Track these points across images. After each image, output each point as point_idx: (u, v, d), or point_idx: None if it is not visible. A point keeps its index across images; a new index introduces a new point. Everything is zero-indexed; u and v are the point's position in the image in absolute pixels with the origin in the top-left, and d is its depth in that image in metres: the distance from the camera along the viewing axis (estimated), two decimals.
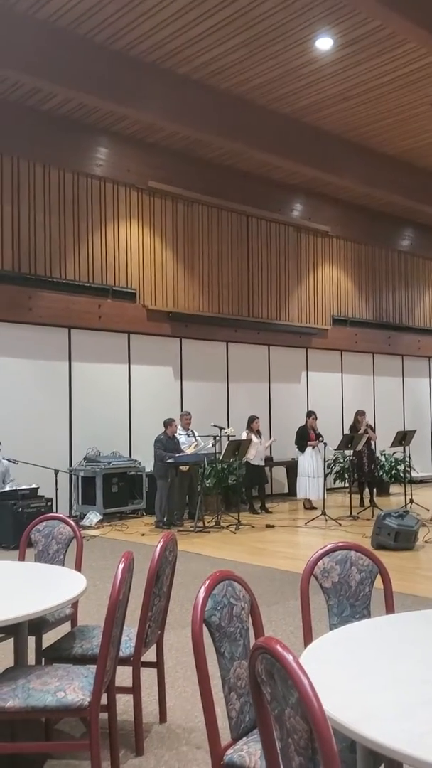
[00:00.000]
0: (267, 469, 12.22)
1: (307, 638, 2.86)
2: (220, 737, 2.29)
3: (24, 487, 9.36)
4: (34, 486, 9.52)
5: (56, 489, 9.63)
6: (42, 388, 10.71)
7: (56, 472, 9.56)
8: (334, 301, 15.08)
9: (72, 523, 4.18)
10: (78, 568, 3.88)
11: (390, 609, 3.01)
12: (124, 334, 11.72)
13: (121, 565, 2.92)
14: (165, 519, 10.07)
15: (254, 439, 11.27)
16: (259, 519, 10.76)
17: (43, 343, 10.74)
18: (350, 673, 2.16)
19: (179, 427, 10.89)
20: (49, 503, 9.40)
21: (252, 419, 11.58)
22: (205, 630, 2.32)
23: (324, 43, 8.97)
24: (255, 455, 11.27)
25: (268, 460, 12.31)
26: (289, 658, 1.65)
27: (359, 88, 10.20)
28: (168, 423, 10.39)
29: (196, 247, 12.76)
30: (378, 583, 3.05)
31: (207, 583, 2.41)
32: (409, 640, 2.48)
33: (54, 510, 9.49)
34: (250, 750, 2.28)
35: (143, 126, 11.20)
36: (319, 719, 1.55)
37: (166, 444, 10.17)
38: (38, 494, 9.45)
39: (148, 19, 8.41)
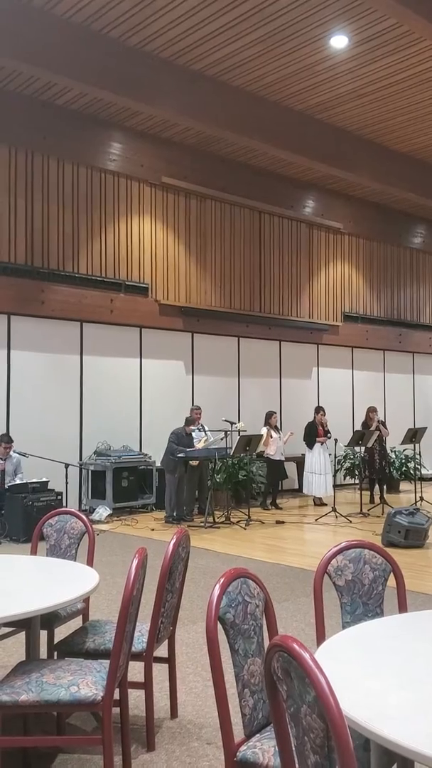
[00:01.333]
0: (284, 464, 12.23)
1: (320, 636, 2.87)
2: (233, 734, 2.31)
3: (34, 480, 9.41)
4: (44, 479, 9.57)
5: (66, 483, 9.68)
6: (53, 381, 10.75)
7: (66, 465, 9.60)
8: (346, 298, 15.05)
9: (84, 518, 4.21)
10: (90, 563, 3.90)
11: (403, 608, 3.02)
12: (136, 329, 11.75)
13: (135, 562, 2.93)
14: (174, 514, 10.09)
15: (273, 434, 11.28)
16: (269, 515, 10.77)
17: (55, 337, 10.77)
18: (364, 672, 2.17)
19: None
20: (59, 497, 9.44)
21: (270, 414, 11.59)
22: (219, 627, 2.33)
23: (339, 41, 8.93)
24: (275, 451, 11.29)
25: None
26: (306, 656, 1.65)
27: (373, 85, 10.16)
28: (190, 421, 10.40)
29: (209, 243, 12.76)
30: (391, 581, 3.06)
31: (222, 580, 2.42)
32: (423, 638, 2.49)
33: (64, 504, 9.55)
34: (263, 747, 2.29)
35: (157, 121, 11.20)
36: (336, 718, 1.56)
37: (181, 438, 10.19)
38: (48, 488, 9.50)
39: (162, 16, 8.40)
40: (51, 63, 8.54)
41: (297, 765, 1.81)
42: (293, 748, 1.81)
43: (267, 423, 11.49)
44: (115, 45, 8.96)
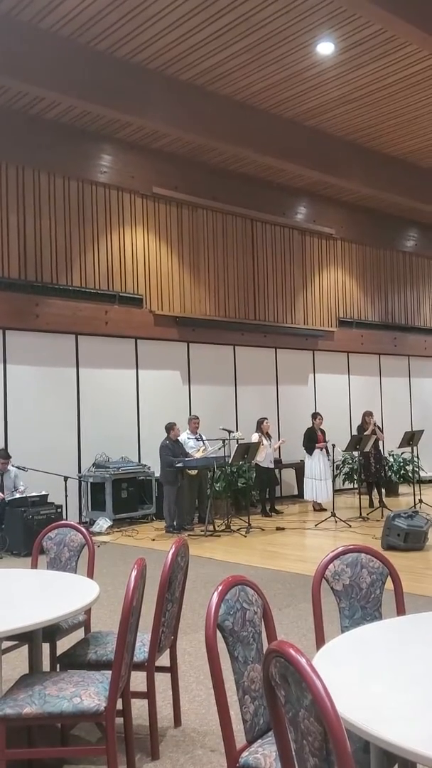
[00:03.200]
0: (276, 471, 12.23)
1: (320, 641, 2.88)
2: (235, 740, 2.32)
3: (34, 494, 9.41)
4: (43, 493, 9.57)
5: (66, 495, 9.68)
6: (50, 394, 10.76)
7: (65, 478, 9.60)
8: (340, 303, 15.10)
9: (83, 530, 4.22)
10: (90, 575, 3.92)
11: (401, 611, 3.04)
12: (131, 340, 11.78)
13: (134, 572, 2.95)
14: (175, 524, 10.09)
15: (264, 441, 11.27)
16: (269, 522, 10.78)
17: (50, 350, 10.79)
18: (363, 675, 2.19)
19: (187, 431, 10.92)
20: (59, 510, 9.44)
21: (261, 421, 11.59)
22: (219, 635, 2.35)
23: (325, 48, 9.01)
24: (264, 458, 11.27)
25: (278, 463, 12.31)
26: (303, 661, 1.67)
27: (361, 90, 10.23)
28: (169, 427, 10.39)
29: (202, 252, 12.81)
30: (389, 584, 3.07)
31: (220, 588, 2.44)
32: (422, 641, 2.51)
33: (64, 516, 9.54)
34: (265, 752, 2.31)
35: (147, 132, 11.26)
36: (332, 721, 1.58)
37: (173, 449, 10.20)
38: (48, 501, 9.50)
39: (149, 27, 8.47)
40: (39, 77, 8.60)
41: None
42: (293, 752, 1.83)
43: (258, 429, 11.49)
44: (103, 57, 9.02)
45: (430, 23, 7.93)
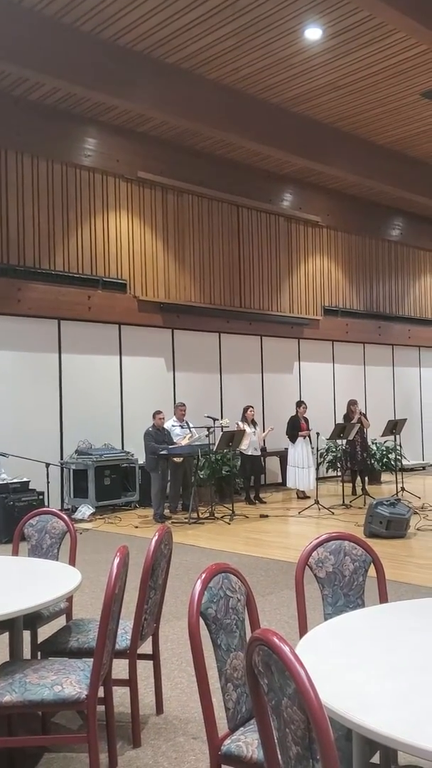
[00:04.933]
0: (261, 459, 12.23)
1: (302, 628, 2.88)
2: (217, 728, 2.31)
3: (15, 480, 9.35)
4: (25, 479, 9.51)
5: (47, 482, 9.61)
6: (32, 380, 10.68)
7: (47, 465, 9.53)
8: (325, 292, 15.09)
9: (65, 517, 4.19)
10: (72, 562, 3.89)
11: (384, 598, 3.04)
12: (114, 326, 11.70)
13: (117, 560, 2.92)
14: (160, 510, 10.07)
15: (247, 429, 11.26)
16: (253, 509, 10.79)
17: (32, 335, 10.69)
18: (346, 663, 2.18)
19: (174, 418, 10.89)
20: (41, 497, 9.40)
21: (245, 409, 11.57)
22: (202, 622, 2.33)
23: (313, 33, 8.94)
24: (248, 445, 11.26)
25: (262, 451, 12.31)
26: (286, 649, 1.66)
27: (349, 77, 10.17)
28: (154, 415, 10.35)
29: (187, 238, 12.73)
30: (372, 572, 3.07)
31: (203, 575, 2.42)
32: (404, 628, 2.50)
33: (46, 503, 9.50)
34: (247, 740, 2.30)
35: (132, 116, 11.14)
36: (315, 709, 1.57)
37: (156, 436, 10.16)
38: (29, 488, 9.45)
39: (135, 9, 8.35)
40: (22, 58, 8.46)
41: (279, 757, 1.81)
42: (275, 741, 1.82)
43: (243, 417, 11.48)
44: (88, 39, 8.89)
45: (418, 11, 7.88)
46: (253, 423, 11.57)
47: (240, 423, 11.32)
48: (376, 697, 1.92)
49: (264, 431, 11.93)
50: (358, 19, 8.65)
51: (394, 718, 1.78)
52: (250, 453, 11.37)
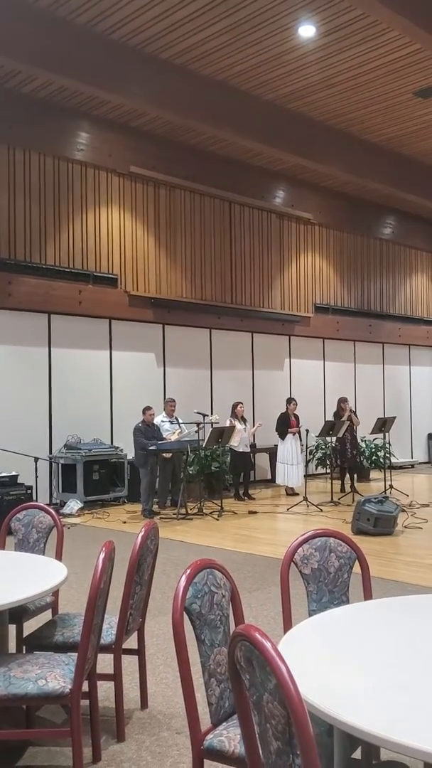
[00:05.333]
0: (251, 455, 12.26)
1: (287, 624, 2.89)
2: (200, 723, 2.32)
3: (3, 474, 9.33)
4: (13, 473, 9.49)
5: (36, 477, 9.61)
6: (21, 374, 10.65)
7: (36, 459, 9.53)
8: (317, 289, 15.11)
9: (52, 512, 4.19)
10: (58, 557, 3.89)
11: (368, 595, 3.05)
12: (105, 320, 11.67)
13: (102, 555, 2.93)
14: (148, 506, 10.07)
15: (238, 425, 11.27)
16: (241, 505, 10.81)
17: (22, 329, 10.66)
18: (328, 659, 2.19)
19: (163, 414, 10.88)
20: (29, 491, 9.38)
21: (235, 405, 11.58)
22: (186, 618, 2.34)
23: (306, 30, 8.93)
24: (239, 442, 11.27)
25: (252, 447, 12.33)
26: (267, 645, 1.67)
27: (342, 75, 10.18)
28: (144, 410, 10.35)
29: (179, 233, 12.71)
30: (357, 569, 3.09)
31: (188, 571, 2.43)
32: (386, 625, 2.52)
33: (34, 498, 9.48)
34: (229, 735, 2.31)
35: (125, 110, 11.11)
36: (296, 704, 1.58)
37: (145, 432, 10.15)
38: (18, 482, 9.43)
39: (130, 2, 8.32)
40: (15, 50, 8.42)
41: (260, 751, 1.83)
42: (257, 735, 1.83)
43: (233, 413, 11.49)
44: (82, 32, 8.85)
45: (411, 10, 7.89)
46: (243, 419, 11.58)
47: (231, 419, 11.32)
48: (357, 694, 1.93)
49: (253, 427, 11.94)
50: (352, 17, 8.65)
51: (374, 714, 1.79)
52: (240, 449, 11.38)
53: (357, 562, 3.10)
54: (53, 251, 11.03)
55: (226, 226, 13.48)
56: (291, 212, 14.43)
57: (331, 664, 2.15)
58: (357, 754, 2.51)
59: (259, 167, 13.66)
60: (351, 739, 2.12)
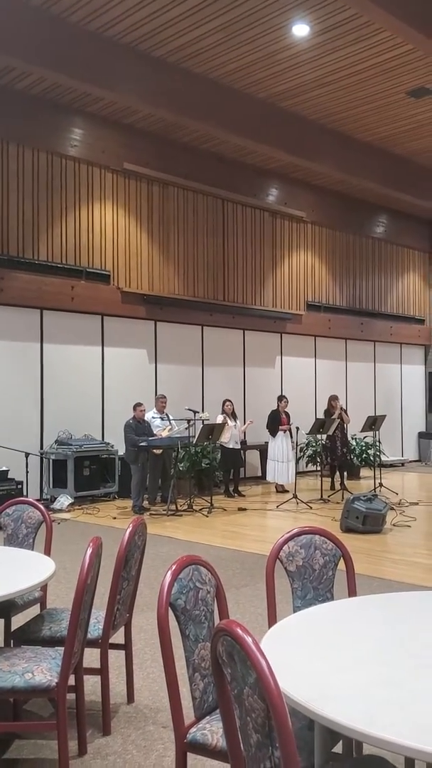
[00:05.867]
0: (241, 452, 12.30)
1: (272, 620, 2.93)
2: (184, 716, 2.36)
3: None
4: (4, 468, 9.51)
5: (27, 472, 9.63)
6: (13, 370, 10.65)
7: (27, 455, 9.55)
8: (309, 287, 15.16)
9: (41, 507, 4.21)
10: (47, 552, 3.92)
11: (352, 592, 3.10)
12: (97, 316, 11.68)
13: (89, 551, 2.96)
14: (139, 502, 10.10)
15: (229, 422, 11.31)
16: (231, 502, 10.85)
17: (14, 325, 10.66)
18: (311, 654, 2.23)
19: (154, 410, 10.91)
20: (20, 486, 9.41)
21: (224, 402, 11.62)
22: (171, 613, 2.38)
23: (300, 30, 8.96)
24: (230, 438, 11.32)
25: (242, 444, 12.37)
26: (249, 640, 1.70)
27: (335, 74, 10.21)
28: (134, 407, 10.37)
29: (171, 230, 12.72)
30: (342, 565, 3.13)
31: (173, 567, 2.46)
32: (369, 622, 2.56)
33: (24, 493, 9.51)
34: (212, 728, 2.35)
35: (119, 107, 11.11)
36: (275, 698, 1.62)
37: (136, 428, 10.18)
38: (8, 477, 9.45)
39: (123, 1, 8.32)
40: (9, 47, 8.42)
41: (241, 744, 1.86)
42: (238, 729, 1.87)
43: (223, 410, 11.52)
44: (75, 30, 8.85)
45: (404, 10, 7.93)
46: (233, 416, 11.62)
47: (223, 416, 11.36)
48: (337, 689, 1.97)
49: (244, 424, 11.98)
50: (345, 17, 8.68)
51: (353, 709, 1.83)
52: (230, 446, 11.43)
53: (342, 559, 3.14)
54: (46, 247, 11.03)
55: (219, 224, 13.50)
56: (284, 210, 14.47)
57: (314, 659, 2.19)
58: (339, 748, 2.55)
59: (252, 165, 13.68)
60: (332, 733, 2.16)
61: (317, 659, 2.19)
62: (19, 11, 8.35)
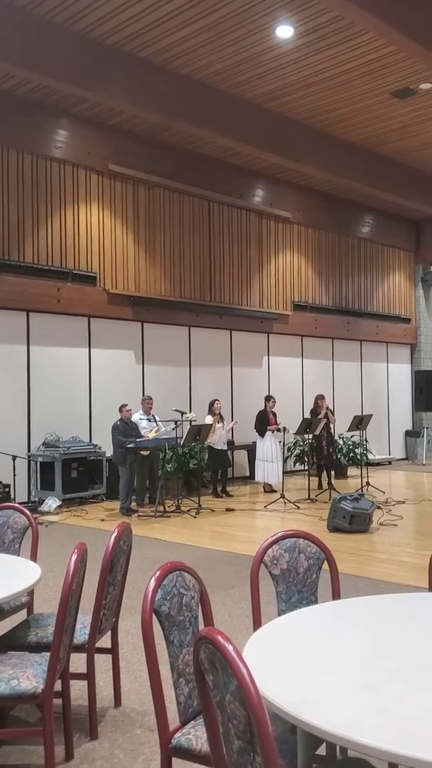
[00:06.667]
0: (228, 452, 12.33)
1: (257, 624, 2.95)
2: (168, 721, 2.37)
3: None
4: None
5: (14, 475, 9.61)
6: (0, 372, 10.62)
7: (14, 457, 9.53)
8: (295, 287, 15.20)
9: (27, 512, 4.22)
10: (33, 557, 3.92)
11: (336, 595, 3.12)
12: (84, 318, 11.67)
13: (74, 557, 2.97)
14: (127, 503, 10.09)
15: (217, 423, 11.33)
16: (219, 503, 10.88)
17: (0, 327, 10.63)
18: (293, 659, 2.26)
19: (140, 411, 10.91)
20: (7, 489, 9.38)
21: (212, 402, 11.64)
22: (155, 619, 2.39)
23: (284, 31, 8.99)
24: (218, 439, 11.35)
25: (230, 444, 12.41)
26: (229, 648, 1.72)
27: (320, 75, 10.24)
28: (120, 408, 10.37)
29: (158, 231, 12.72)
30: (326, 567, 3.15)
31: (157, 573, 2.48)
32: (352, 625, 2.59)
33: (12, 496, 9.48)
34: (197, 733, 2.37)
35: (104, 108, 11.09)
36: (255, 705, 1.64)
37: (124, 430, 10.18)
38: None
39: (108, 1, 8.31)
40: None
41: (224, 750, 1.88)
42: (220, 735, 1.89)
43: (210, 411, 11.54)
44: (60, 30, 8.83)
45: (385, 12, 7.95)
46: (221, 417, 11.65)
47: (211, 417, 11.38)
48: (320, 693, 1.99)
49: (229, 425, 11.98)
50: (328, 19, 8.72)
51: (334, 714, 1.85)
52: (218, 447, 11.45)
53: (326, 562, 3.17)
54: (32, 249, 11.00)
55: (205, 225, 13.52)
56: (270, 211, 14.50)
57: (297, 664, 2.22)
58: (322, 750, 2.57)
59: (237, 166, 13.70)
60: (313, 736, 2.19)
61: (299, 664, 2.21)
62: (3, 12, 8.32)
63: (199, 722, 2.42)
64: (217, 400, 11.70)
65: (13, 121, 10.66)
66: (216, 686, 1.82)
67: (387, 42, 8.98)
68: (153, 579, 2.45)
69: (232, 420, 12.52)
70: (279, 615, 2.99)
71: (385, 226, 17.05)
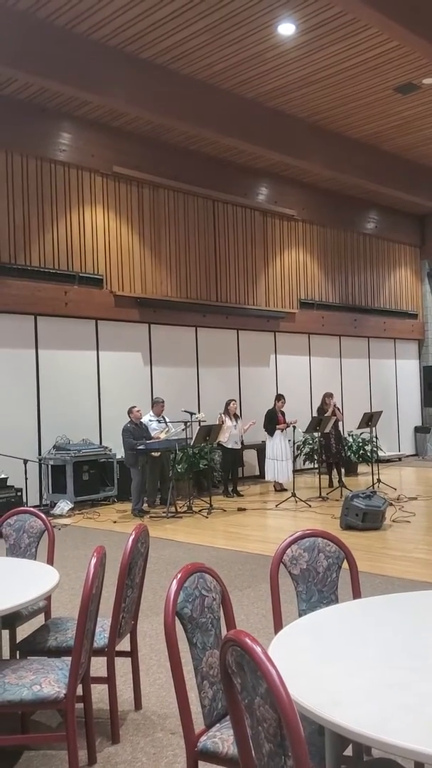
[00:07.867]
0: (240, 452, 12.30)
1: (278, 625, 2.93)
2: (193, 725, 2.36)
3: None
4: (3, 476, 9.49)
5: (26, 478, 9.62)
6: (9, 376, 10.64)
7: (25, 461, 9.54)
8: (301, 285, 15.17)
9: (43, 516, 4.21)
10: (50, 561, 3.92)
11: (357, 594, 3.11)
12: (91, 321, 11.67)
13: (93, 561, 2.96)
14: (139, 505, 10.10)
15: (228, 422, 11.33)
16: (230, 502, 10.86)
17: (8, 331, 10.65)
18: (318, 659, 2.24)
19: (151, 413, 10.90)
20: (19, 493, 9.39)
21: (228, 402, 11.64)
22: (178, 622, 2.38)
23: (286, 29, 8.96)
24: (228, 438, 11.33)
25: (240, 444, 12.36)
26: (258, 650, 1.71)
27: (322, 72, 10.22)
28: (129, 411, 10.37)
29: (163, 232, 12.72)
30: (346, 566, 3.13)
31: (179, 575, 2.47)
32: (375, 624, 2.57)
33: (24, 499, 9.49)
34: (222, 736, 2.36)
35: (107, 110, 11.09)
36: (286, 708, 1.62)
37: (134, 432, 10.18)
38: (7, 484, 9.43)
39: (109, 3, 8.31)
40: None
41: (253, 753, 1.87)
42: (249, 738, 1.87)
43: (225, 410, 11.54)
44: (62, 33, 8.83)
45: (389, 7, 7.92)
46: (235, 416, 11.63)
47: (222, 415, 11.37)
48: (346, 693, 1.98)
49: (245, 425, 11.95)
50: (331, 15, 8.69)
51: (362, 714, 1.84)
52: (230, 446, 11.44)
53: (346, 561, 3.15)
54: (38, 253, 11.01)
55: (210, 225, 13.50)
56: (274, 209, 14.47)
57: (322, 664, 2.20)
58: (349, 751, 2.56)
59: (241, 165, 13.68)
60: (341, 737, 2.17)
61: (325, 664, 2.20)
62: (5, 16, 8.33)
63: (225, 725, 2.41)
64: (233, 400, 11.71)
65: (17, 125, 10.67)
66: (244, 689, 1.81)
67: (389, 37, 8.95)
68: (174, 581, 2.44)
69: (246, 420, 12.46)
70: (300, 615, 2.98)
71: (390, 221, 17.00)
